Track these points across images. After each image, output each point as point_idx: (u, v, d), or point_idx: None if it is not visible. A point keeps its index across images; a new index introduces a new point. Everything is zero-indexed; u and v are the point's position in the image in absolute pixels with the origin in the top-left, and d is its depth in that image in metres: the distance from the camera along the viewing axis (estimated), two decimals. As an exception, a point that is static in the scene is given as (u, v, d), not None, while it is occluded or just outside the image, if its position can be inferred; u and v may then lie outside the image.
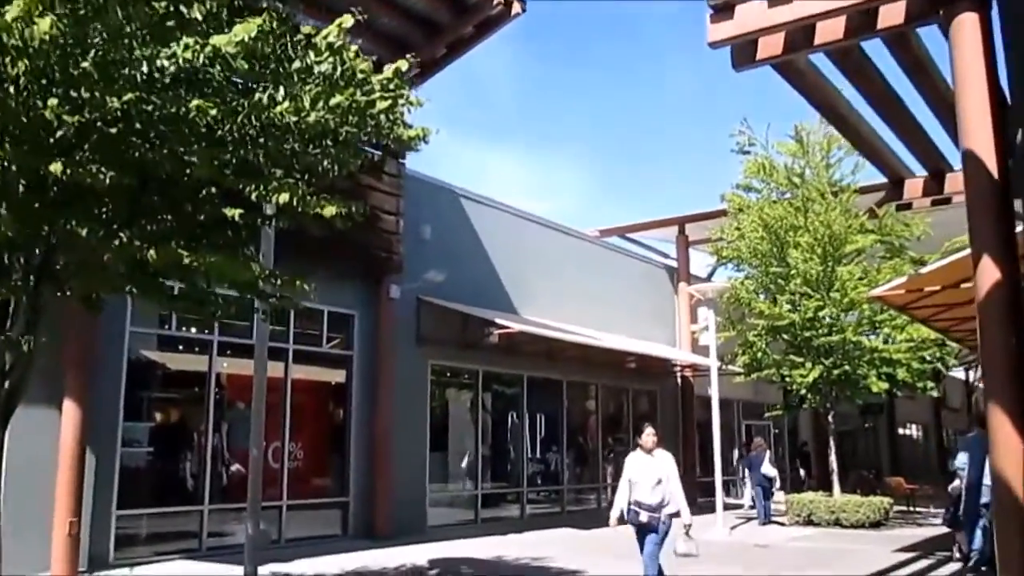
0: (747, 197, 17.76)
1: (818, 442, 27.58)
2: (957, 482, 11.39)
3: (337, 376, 13.96)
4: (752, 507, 18.33)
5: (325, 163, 4.97)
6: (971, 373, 39.10)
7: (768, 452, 18.11)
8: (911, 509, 19.58)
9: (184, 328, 11.53)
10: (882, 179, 18.08)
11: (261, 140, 4.60)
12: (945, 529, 15.15)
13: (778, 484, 17.92)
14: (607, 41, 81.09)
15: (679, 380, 22.42)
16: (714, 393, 15.92)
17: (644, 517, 7.62)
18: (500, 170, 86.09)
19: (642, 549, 7.77)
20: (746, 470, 19.18)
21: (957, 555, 11.26)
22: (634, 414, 21.21)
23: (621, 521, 7.93)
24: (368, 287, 14.08)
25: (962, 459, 10.64)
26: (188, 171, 4.36)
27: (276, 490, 12.30)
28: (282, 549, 11.68)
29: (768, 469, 17.31)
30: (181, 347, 12.07)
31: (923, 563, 11.13)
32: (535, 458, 18.13)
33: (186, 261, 4.26)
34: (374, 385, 13.87)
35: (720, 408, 21.04)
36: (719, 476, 15.81)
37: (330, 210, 4.72)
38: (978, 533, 10.39)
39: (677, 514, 7.82)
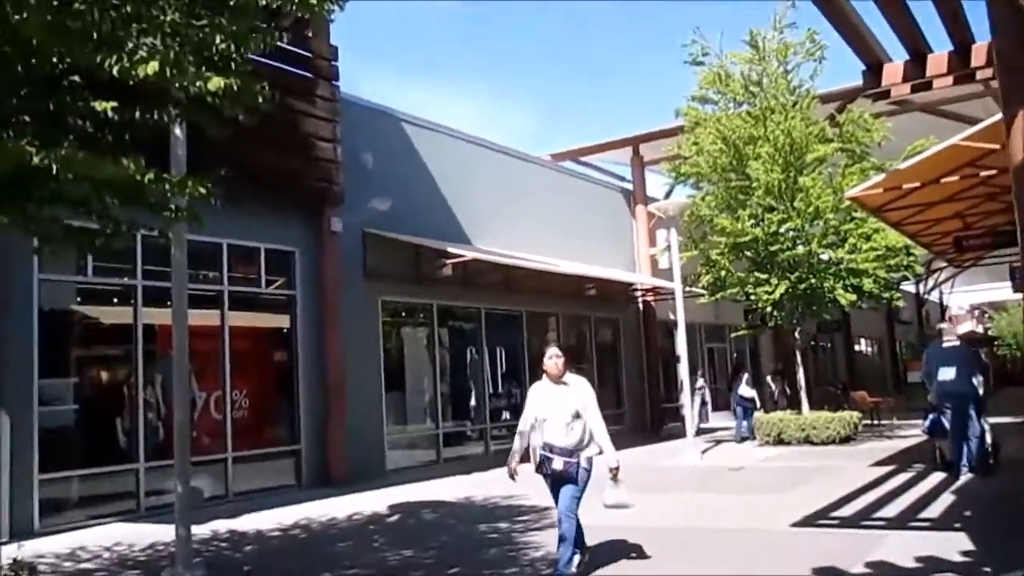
0: (703, 110, 16.97)
1: (780, 361, 27.46)
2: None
3: (281, 318, 13.04)
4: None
5: (218, 39, 3.96)
6: (921, 285, 39.37)
7: (746, 374, 18.18)
8: (876, 422, 19.41)
9: (102, 275, 10.49)
10: (839, 86, 17.42)
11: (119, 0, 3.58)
12: (916, 440, 15.01)
13: (758, 404, 17.82)
14: (548, -34, 78.89)
15: (640, 306, 21.87)
16: (679, 315, 15.31)
17: (558, 464, 5.81)
18: (448, 110, 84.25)
19: (557, 502, 5.99)
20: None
21: (940, 463, 10.93)
22: (597, 343, 20.65)
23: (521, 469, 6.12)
24: (308, 222, 13.08)
25: (946, 370, 10.21)
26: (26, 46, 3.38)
27: (220, 442, 11.47)
28: (230, 503, 10.91)
29: (745, 390, 17.19)
30: (101, 297, 11.01)
31: (907, 474, 10.72)
32: (497, 393, 17.46)
33: (35, 160, 3.30)
34: (321, 325, 12.99)
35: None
36: (688, 400, 15.34)
37: (216, 83, 3.72)
38: (970, 443, 10.06)
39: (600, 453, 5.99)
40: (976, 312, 57.24)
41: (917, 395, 25.22)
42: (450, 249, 14.21)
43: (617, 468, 5.92)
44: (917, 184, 9.18)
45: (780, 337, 28.56)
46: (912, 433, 16.93)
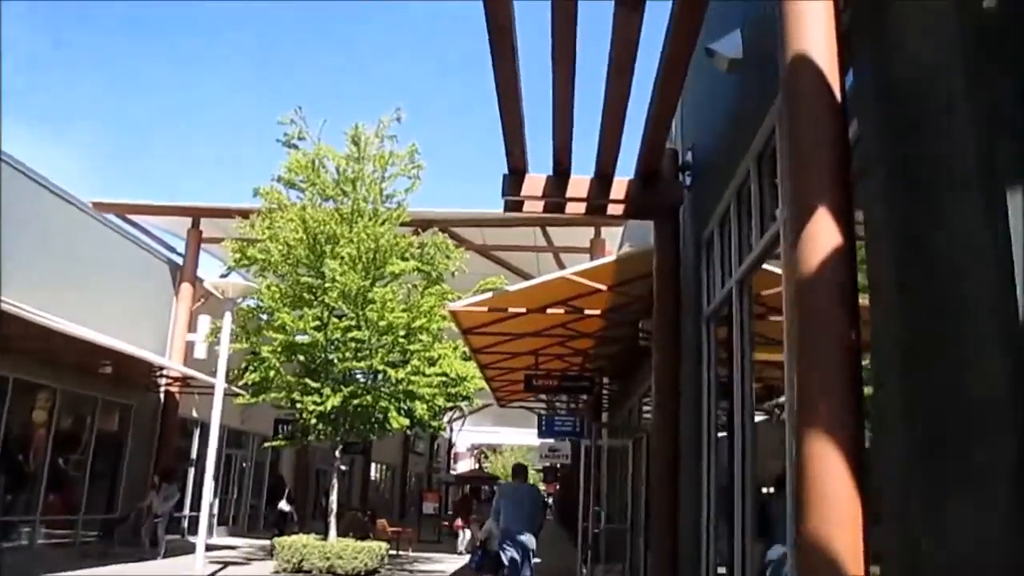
0: (287, 194, 15.57)
1: (299, 479, 25.98)
2: (488, 525, 10.79)
3: None
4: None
5: None
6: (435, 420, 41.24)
7: (288, 488, 16.57)
8: (397, 553, 18.65)
9: None
10: (420, 209, 17.18)
11: None
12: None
13: (295, 519, 16.10)
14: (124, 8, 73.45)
15: (162, 396, 18.95)
16: (215, 412, 13.10)
17: None
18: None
19: None
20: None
21: None
22: (99, 431, 17.22)
23: None
24: None
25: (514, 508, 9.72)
26: None
27: None
28: None
29: (284, 505, 15.46)
30: None
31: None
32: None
33: None
34: None
35: (201, 434, 18.38)
36: (205, 512, 12.95)
37: None
38: None
39: None
40: (476, 451, 61.91)
41: (430, 525, 25.55)
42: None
43: None
44: (523, 310, 8.69)
45: (303, 453, 27.16)
46: (436, 568, 16.47)
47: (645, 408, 11.81)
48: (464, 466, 59.65)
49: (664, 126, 6.58)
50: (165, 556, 15.45)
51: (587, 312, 8.84)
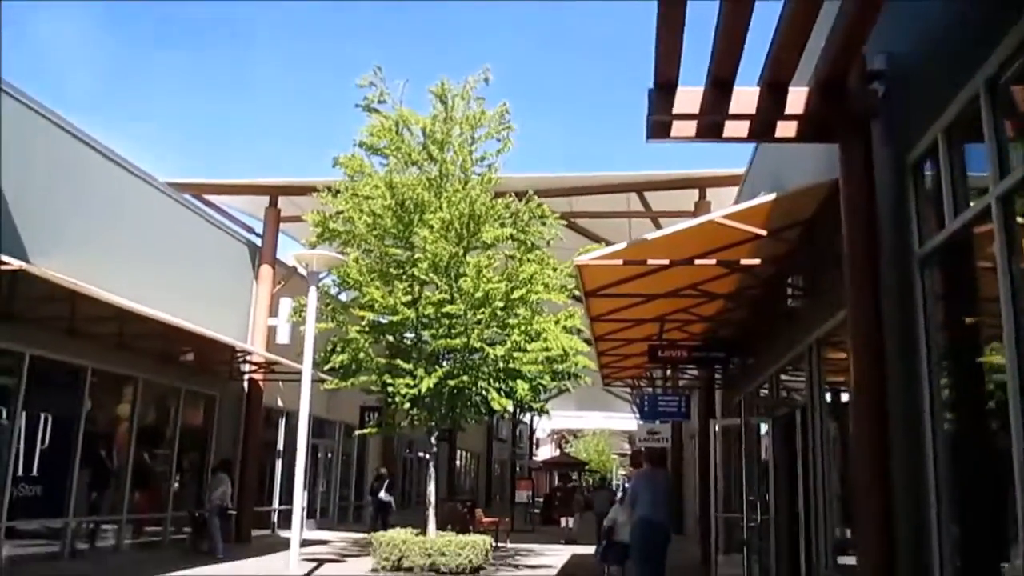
0: (369, 162, 14.38)
1: (391, 469, 25.05)
2: (613, 514, 10.12)
3: None
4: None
5: None
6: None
7: (387, 480, 16.26)
8: (496, 545, 17.44)
9: None
10: (515, 175, 15.64)
11: None
12: (551, 571, 13.40)
13: (394, 509, 15.53)
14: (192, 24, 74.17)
15: (246, 385, 18.08)
16: (304, 399, 12.10)
17: None
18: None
19: None
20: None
21: None
22: (183, 424, 16.38)
23: None
24: None
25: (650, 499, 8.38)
26: None
27: None
28: None
29: (384, 496, 14.82)
30: None
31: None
32: (29, 477, 12.34)
33: None
34: None
35: (287, 424, 17.62)
36: (299, 505, 11.90)
37: None
38: None
39: None
40: (556, 436, 60.62)
41: (521, 514, 24.34)
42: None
43: None
44: (665, 261, 7.24)
45: (390, 442, 26.23)
46: (543, 562, 15.29)
47: (784, 381, 10.33)
48: (545, 452, 58.42)
49: (873, 10, 5.09)
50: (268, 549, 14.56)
51: (743, 262, 7.37)
